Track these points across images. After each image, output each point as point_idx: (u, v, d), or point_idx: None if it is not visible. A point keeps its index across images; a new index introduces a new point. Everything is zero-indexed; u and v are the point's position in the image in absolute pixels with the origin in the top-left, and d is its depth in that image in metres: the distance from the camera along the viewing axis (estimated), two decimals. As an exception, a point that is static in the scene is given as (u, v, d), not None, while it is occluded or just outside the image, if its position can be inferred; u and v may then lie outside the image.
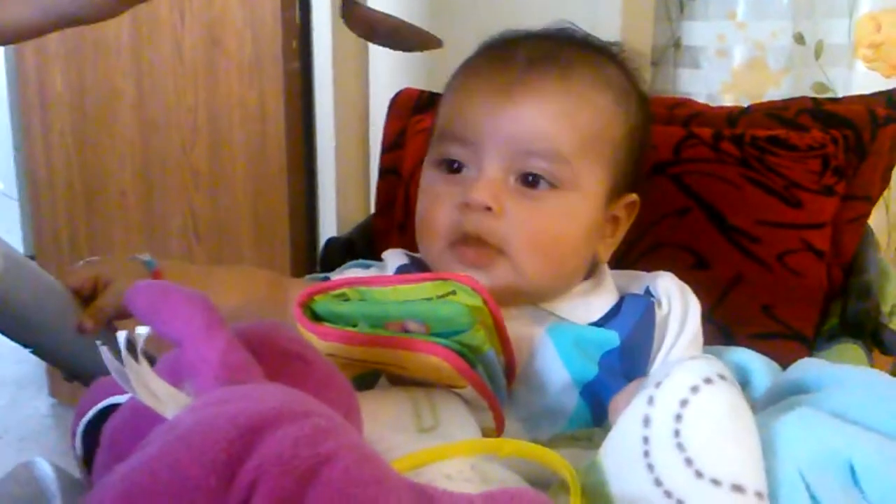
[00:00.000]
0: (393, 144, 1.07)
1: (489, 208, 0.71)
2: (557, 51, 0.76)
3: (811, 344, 0.84)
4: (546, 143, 0.71)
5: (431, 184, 0.78)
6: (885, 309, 0.84)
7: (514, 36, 0.79)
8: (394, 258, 0.84)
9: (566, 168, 0.72)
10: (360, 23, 0.76)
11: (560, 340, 0.70)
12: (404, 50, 0.80)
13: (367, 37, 0.78)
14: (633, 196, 0.79)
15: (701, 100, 1.40)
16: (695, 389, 0.49)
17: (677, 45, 1.47)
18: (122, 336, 0.37)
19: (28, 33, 0.45)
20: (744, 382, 0.71)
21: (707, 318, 0.76)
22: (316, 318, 0.62)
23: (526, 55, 0.75)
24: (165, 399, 0.37)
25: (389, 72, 1.34)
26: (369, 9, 0.77)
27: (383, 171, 1.07)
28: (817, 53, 1.40)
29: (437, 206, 0.75)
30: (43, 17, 0.62)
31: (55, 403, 1.74)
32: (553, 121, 0.72)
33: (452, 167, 0.75)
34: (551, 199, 0.72)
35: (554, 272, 0.73)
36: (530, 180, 0.72)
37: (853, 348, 0.78)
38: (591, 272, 0.79)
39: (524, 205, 0.71)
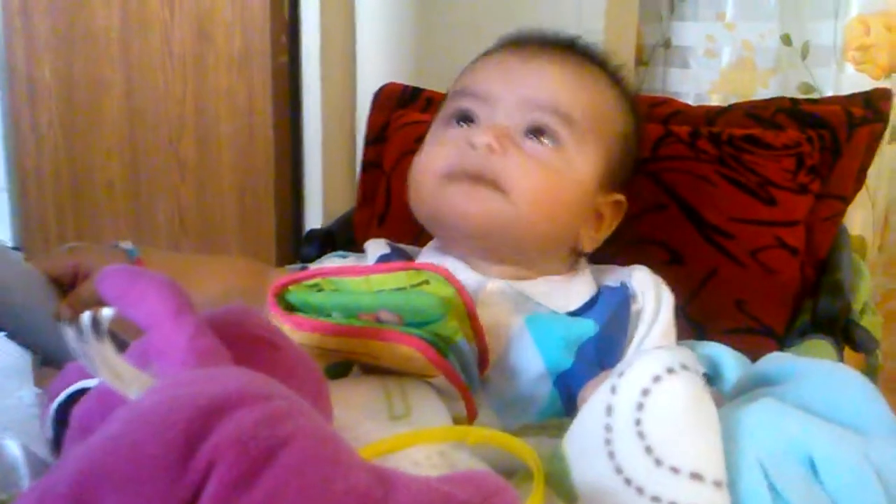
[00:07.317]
0: (376, 138, 1.07)
1: (493, 150, 0.72)
2: (577, 45, 0.81)
3: (782, 340, 0.85)
4: (559, 104, 0.75)
5: (437, 132, 0.79)
6: (857, 307, 0.85)
7: (537, 31, 0.83)
8: (375, 247, 0.85)
9: (573, 130, 0.75)
10: None
11: (538, 331, 0.71)
12: None
13: None
14: (621, 196, 0.80)
15: (690, 99, 1.42)
16: (657, 379, 0.50)
17: (667, 44, 1.48)
18: (86, 316, 0.38)
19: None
20: (715, 376, 0.72)
21: (681, 312, 0.77)
22: (290, 308, 0.62)
23: (549, 39, 0.81)
24: (129, 380, 0.38)
25: (377, 67, 1.34)
26: None
27: (366, 164, 1.08)
28: (803, 54, 1.41)
29: (440, 146, 0.77)
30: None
31: (40, 393, 1.74)
32: (569, 88, 0.76)
33: (462, 121, 0.77)
34: (553, 153, 0.74)
35: (544, 217, 0.74)
36: (536, 134, 0.74)
37: (823, 345, 0.79)
38: (572, 266, 0.80)
39: (527, 153, 0.74)
